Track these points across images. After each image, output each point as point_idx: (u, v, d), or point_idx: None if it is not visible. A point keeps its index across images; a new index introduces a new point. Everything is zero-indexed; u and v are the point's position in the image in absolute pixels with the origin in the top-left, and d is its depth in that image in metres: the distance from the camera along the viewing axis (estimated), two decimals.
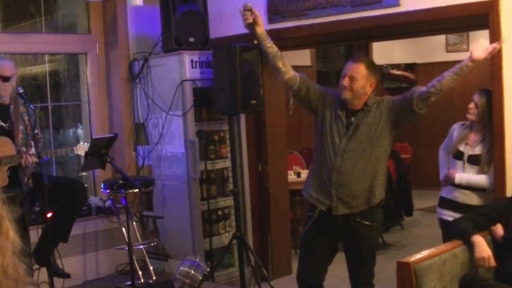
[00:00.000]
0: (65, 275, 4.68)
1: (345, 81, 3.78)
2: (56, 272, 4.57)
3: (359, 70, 3.79)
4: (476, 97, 4.27)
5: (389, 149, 3.91)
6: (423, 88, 3.73)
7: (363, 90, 3.78)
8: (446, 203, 4.40)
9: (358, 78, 3.76)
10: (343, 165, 3.76)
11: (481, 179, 4.18)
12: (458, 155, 4.29)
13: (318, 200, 3.86)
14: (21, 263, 1.26)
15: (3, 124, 4.43)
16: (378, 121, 3.79)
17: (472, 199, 4.25)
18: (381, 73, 10.57)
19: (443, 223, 4.43)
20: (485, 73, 7.98)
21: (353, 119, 3.81)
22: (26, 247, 1.29)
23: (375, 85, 3.86)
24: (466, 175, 4.22)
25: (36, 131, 4.37)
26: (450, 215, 4.34)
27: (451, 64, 11.74)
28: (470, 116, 4.29)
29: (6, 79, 4.41)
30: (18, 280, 1.23)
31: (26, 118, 4.46)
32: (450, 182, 4.29)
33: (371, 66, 3.90)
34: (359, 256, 3.92)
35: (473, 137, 4.30)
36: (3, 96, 4.43)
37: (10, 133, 4.39)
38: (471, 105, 4.28)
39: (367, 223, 3.80)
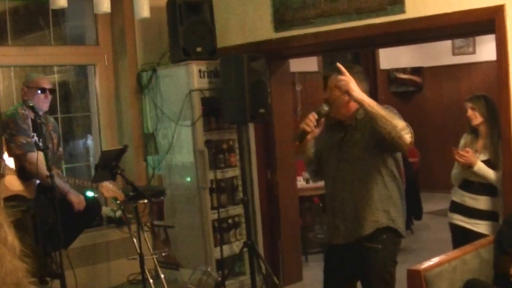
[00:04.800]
0: (57, 276, 4.64)
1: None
2: (49, 273, 4.56)
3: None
4: (469, 105, 4.31)
5: None
6: None
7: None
8: (455, 207, 4.42)
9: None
10: None
11: (492, 173, 4.19)
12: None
13: None
14: (21, 264, 1.27)
15: (37, 141, 4.41)
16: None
17: (481, 204, 4.26)
18: (388, 77, 10.59)
19: (453, 227, 4.46)
20: (493, 78, 7.97)
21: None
22: (25, 249, 1.30)
23: None
24: (483, 164, 4.21)
25: (60, 148, 4.38)
26: (458, 219, 4.37)
27: (457, 67, 11.72)
28: (475, 121, 4.30)
29: (52, 91, 4.54)
30: (19, 284, 1.25)
31: (54, 135, 4.48)
32: (467, 166, 4.24)
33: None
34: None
35: (480, 143, 4.32)
36: (44, 109, 4.49)
37: (42, 151, 4.30)
38: (469, 112, 4.30)
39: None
